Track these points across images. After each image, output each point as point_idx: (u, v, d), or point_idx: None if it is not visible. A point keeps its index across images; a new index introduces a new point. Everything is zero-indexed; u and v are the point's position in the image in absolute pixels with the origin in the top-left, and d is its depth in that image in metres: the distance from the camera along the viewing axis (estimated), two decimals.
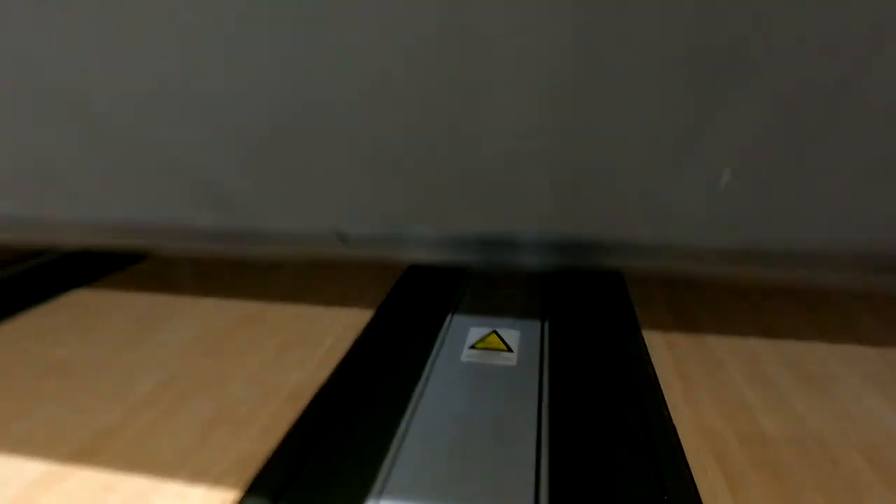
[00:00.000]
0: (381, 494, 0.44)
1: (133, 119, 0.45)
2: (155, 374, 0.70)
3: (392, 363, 0.70)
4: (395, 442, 0.50)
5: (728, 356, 0.71)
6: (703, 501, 0.46)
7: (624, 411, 0.60)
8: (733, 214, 0.45)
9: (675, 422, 0.57)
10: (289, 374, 0.69)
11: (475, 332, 0.70)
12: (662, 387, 0.64)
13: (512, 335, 0.69)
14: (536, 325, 0.73)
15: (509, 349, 0.66)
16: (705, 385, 0.64)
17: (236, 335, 0.82)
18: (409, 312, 0.86)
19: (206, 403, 0.64)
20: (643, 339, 0.75)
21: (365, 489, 0.46)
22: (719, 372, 0.67)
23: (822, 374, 0.66)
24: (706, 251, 0.52)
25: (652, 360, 0.70)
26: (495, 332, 0.70)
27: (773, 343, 0.74)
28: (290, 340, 0.79)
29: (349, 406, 0.62)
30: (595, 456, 0.53)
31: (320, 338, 0.79)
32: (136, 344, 0.80)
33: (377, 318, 0.85)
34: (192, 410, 0.62)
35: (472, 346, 0.67)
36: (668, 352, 0.72)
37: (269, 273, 1.09)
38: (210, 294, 1.00)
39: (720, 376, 0.66)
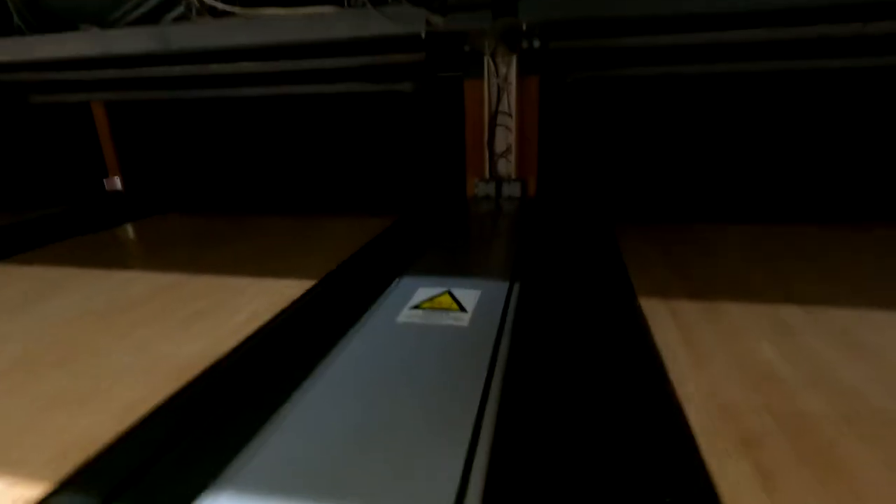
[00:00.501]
0: (220, 489, 0.29)
1: None
2: (20, 344, 0.56)
3: (311, 332, 0.54)
4: (272, 426, 0.35)
5: (749, 324, 0.55)
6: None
7: (608, 383, 0.44)
8: None
9: (682, 399, 0.42)
10: (184, 346, 0.54)
11: (424, 293, 0.55)
12: (664, 358, 0.48)
13: (469, 295, 0.54)
14: (504, 285, 0.58)
15: (463, 309, 0.51)
16: (722, 356, 0.48)
17: (143, 305, 0.67)
18: (353, 281, 0.71)
19: (66, 377, 0.49)
20: (639, 305, 0.59)
21: (209, 481, 0.31)
22: (739, 341, 0.51)
23: (875, 343, 0.50)
24: None
25: (651, 327, 0.54)
26: (448, 292, 0.55)
27: (806, 310, 0.58)
28: (202, 311, 0.64)
29: (240, 381, 0.47)
30: (562, 443, 0.37)
31: (239, 308, 0.64)
32: (17, 313, 0.65)
33: (316, 288, 0.70)
34: (43, 384, 0.47)
35: (416, 307, 0.52)
36: (671, 319, 0.56)
37: (213, 246, 0.96)
38: (131, 266, 0.86)
39: (741, 346, 0.50)
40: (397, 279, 0.62)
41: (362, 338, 0.46)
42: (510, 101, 1.05)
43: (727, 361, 0.47)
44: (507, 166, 1.10)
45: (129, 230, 1.14)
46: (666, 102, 1.04)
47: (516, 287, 0.58)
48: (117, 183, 1.39)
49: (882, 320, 0.56)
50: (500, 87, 1.05)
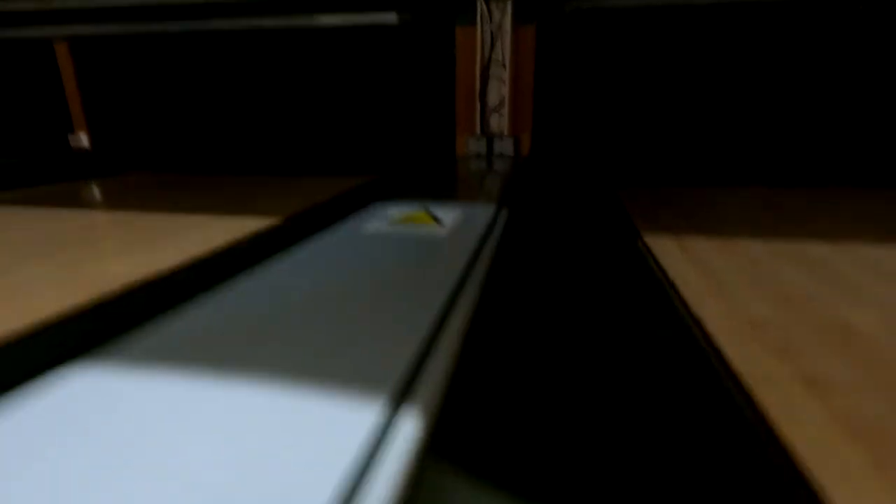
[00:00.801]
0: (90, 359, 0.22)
1: None
2: None
3: (262, 250, 0.47)
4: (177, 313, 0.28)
5: (770, 256, 0.48)
6: (772, 415, 0.23)
7: (608, 298, 0.37)
8: None
9: (700, 316, 0.35)
10: (111, 265, 0.47)
11: (399, 211, 0.48)
12: (675, 281, 0.41)
13: (449, 214, 0.47)
14: (490, 209, 0.51)
15: (440, 223, 0.43)
16: (743, 280, 0.42)
17: (85, 235, 0.60)
18: (320, 216, 0.64)
19: None
20: (644, 238, 0.53)
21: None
22: (761, 268, 0.44)
23: None
24: None
25: (658, 258, 0.47)
26: (425, 209, 0.47)
27: (831, 245, 0.51)
28: (145, 239, 0.57)
29: (166, 291, 0.39)
30: (552, 349, 0.30)
31: (189, 238, 0.57)
32: None
33: (282, 223, 0.62)
34: None
35: (388, 220, 0.44)
36: (680, 252, 0.49)
37: (179, 194, 0.88)
38: (85, 208, 0.79)
39: (764, 272, 0.43)
40: (374, 204, 0.55)
41: (320, 243, 0.39)
42: (504, 50, 0.98)
43: (750, 285, 0.41)
44: (499, 121, 1.03)
45: (94, 183, 1.05)
46: (670, 51, 0.98)
47: (504, 212, 0.51)
48: (83, 139, 1.30)
49: None
50: (494, 34, 0.98)
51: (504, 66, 0.99)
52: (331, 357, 0.23)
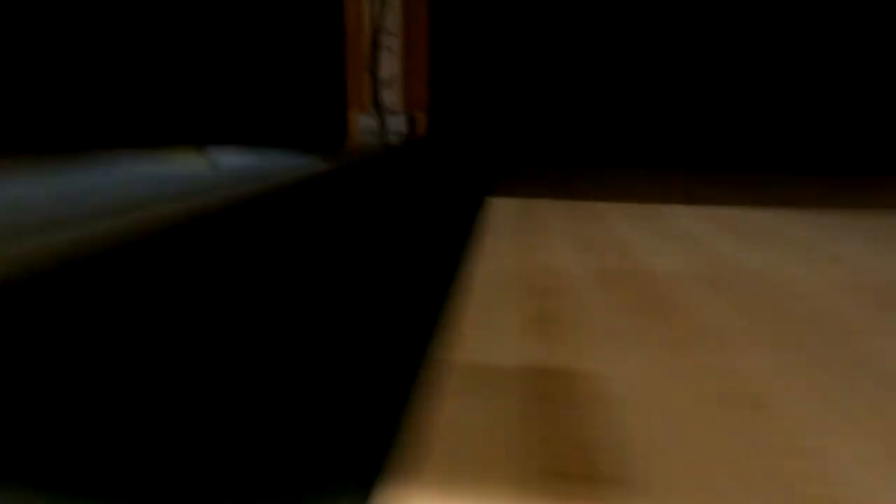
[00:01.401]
0: None
1: None
2: None
3: None
4: None
5: (619, 214, 0.43)
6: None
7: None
8: None
9: (475, 262, 0.28)
10: None
11: (177, 151, 0.40)
12: (482, 235, 0.35)
13: (235, 159, 0.39)
14: (306, 159, 0.44)
15: (210, 165, 0.36)
16: (576, 234, 0.36)
17: None
18: None
19: None
20: (488, 200, 0.47)
21: None
22: (599, 223, 0.39)
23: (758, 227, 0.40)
24: None
25: (486, 214, 0.41)
26: (203, 153, 0.40)
27: (693, 207, 0.47)
28: None
29: None
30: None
31: None
32: None
33: None
34: None
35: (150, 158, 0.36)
36: (517, 211, 0.44)
37: None
38: None
39: (600, 227, 0.38)
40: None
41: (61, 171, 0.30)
42: (395, 18, 0.92)
43: (575, 237, 0.35)
44: (393, 97, 0.96)
45: None
46: (583, 20, 0.93)
47: (329, 164, 0.44)
48: None
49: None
50: (384, 0, 0.91)
51: (396, 36, 0.93)
52: None
